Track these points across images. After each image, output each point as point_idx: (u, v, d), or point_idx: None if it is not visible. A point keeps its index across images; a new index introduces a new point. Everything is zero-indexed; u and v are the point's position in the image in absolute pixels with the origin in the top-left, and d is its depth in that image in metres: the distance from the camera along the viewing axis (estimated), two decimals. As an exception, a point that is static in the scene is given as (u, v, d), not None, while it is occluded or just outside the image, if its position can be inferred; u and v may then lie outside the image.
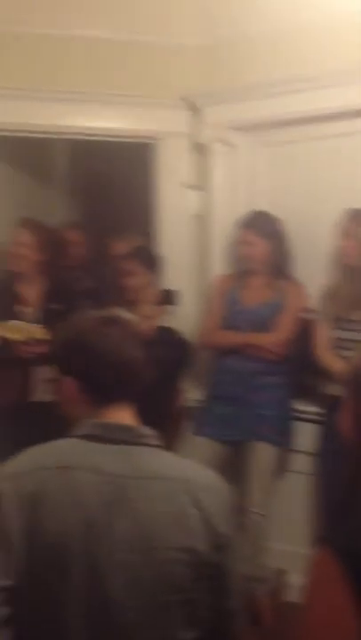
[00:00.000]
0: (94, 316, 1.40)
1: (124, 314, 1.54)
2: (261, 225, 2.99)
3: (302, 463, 2.94)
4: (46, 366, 2.40)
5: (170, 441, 1.39)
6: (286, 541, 2.91)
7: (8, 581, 1.20)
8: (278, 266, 2.99)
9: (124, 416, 1.34)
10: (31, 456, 1.29)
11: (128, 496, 1.23)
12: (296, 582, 2.55)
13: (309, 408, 2.93)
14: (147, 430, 1.35)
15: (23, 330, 2.68)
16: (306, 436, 2.91)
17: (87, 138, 3.32)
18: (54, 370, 1.40)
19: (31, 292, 3.13)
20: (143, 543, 1.22)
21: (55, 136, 3.44)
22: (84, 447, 1.28)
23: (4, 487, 1.23)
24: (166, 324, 2.98)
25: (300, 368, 2.97)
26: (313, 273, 2.92)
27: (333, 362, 2.69)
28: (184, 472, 1.32)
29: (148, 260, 3.07)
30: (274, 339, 2.90)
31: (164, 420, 2.68)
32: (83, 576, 1.19)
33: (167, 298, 2.99)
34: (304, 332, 2.90)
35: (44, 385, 2.75)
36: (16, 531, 1.20)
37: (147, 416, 1.39)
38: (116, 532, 1.21)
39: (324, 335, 2.80)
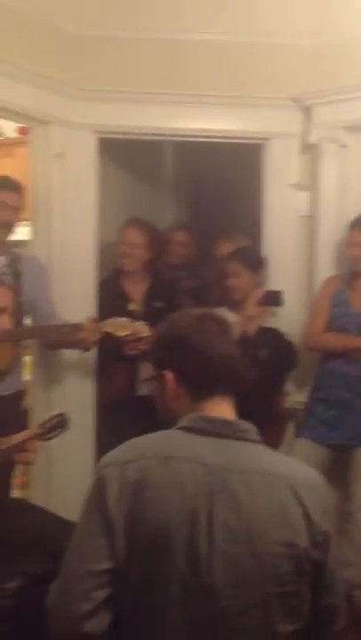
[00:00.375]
0: (191, 314, 1.44)
1: (221, 313, 1.57)
2: (373, 226, 2.92)
3: None
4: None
5: (273, 442, 1.40)
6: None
7: (111, 564, 1.24)
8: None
9: (224, 410, 1.37)
10: (135, 445, 1.33)
11: (230, 488, 1.25)
12: None
13: None
14: (248, 425, 1.36)
15: (128, 327, 2.75)
16: None
17: (197, 139, 3.37)
18: (153, 366, 1.44)
19: (136, 289, 3.23)
20: (244, 535, 1.23)
21: (165, 138, 3.52)
22: (186, 439, 1.31)
23: (109, 474, 1.27)
24: (271, 325, 2.97)
25: None
26: None
27: None
28: (285, 468, 1.33)
29: (252, 260, 3.07)
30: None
31: (268, 421, 2.67)
32: (183, 562, 1.21)
33: (272, 298, 2.97)
34: None
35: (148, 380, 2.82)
36: (119, 517, 1.23)
37: (250, 417, 1.39)
38: (216, 523, 1.22)
39: None
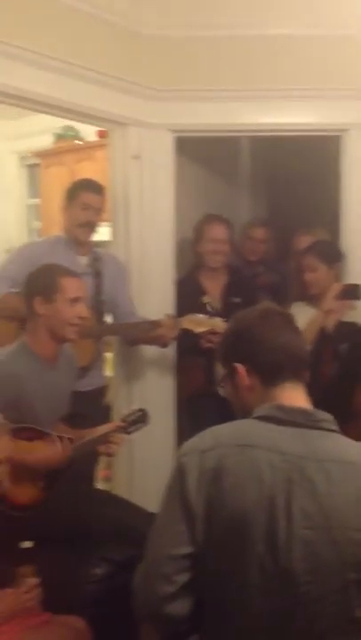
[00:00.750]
0: (255, 308, 1.51)
1: (300, 308, 1.58)
2: None
3: None
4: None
5: (353, 437, 1.40)
6: None
7: (191, 549, 1.29)
8: None
9: (297, 399, 1.39)
10: (213, 434, 1.37)
11: (307, 476, 1.26)
12: None
13: None
14: (325, 415, 1.37)
15: (205, 322, 2.79)
16: None
17: (273, 134, 3.36)
18: (222, 365, 1.48)
19: (214, 285, 3.27)
20: (322, 522, 1.24)
21: (241, 134, 3.53)
22: (262, 427, 1.34)
23: (188, 462, 1.31)
24: (350, 319, 2.92)
25: None
26: None
27: None
28: None
29: (328, 254, 3.02)
30: None
31: (348, 416, 2.63)
32: (262, 548, 1.24)
33: (351, 292, 2.92)
34: None
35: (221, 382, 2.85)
36: (198, 503, 1.28)
37: (330, 412, 1.40)
38: (295, 510, 1.24)
39: None
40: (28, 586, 1.76)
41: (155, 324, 2.79)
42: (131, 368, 3.29)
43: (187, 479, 1.30)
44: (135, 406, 2.40)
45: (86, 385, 2.81)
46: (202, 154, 3.68)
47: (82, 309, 2.26)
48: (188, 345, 2.98)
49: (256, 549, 1.24)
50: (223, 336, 1.53)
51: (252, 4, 3.12)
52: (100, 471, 3.53)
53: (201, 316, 2.83)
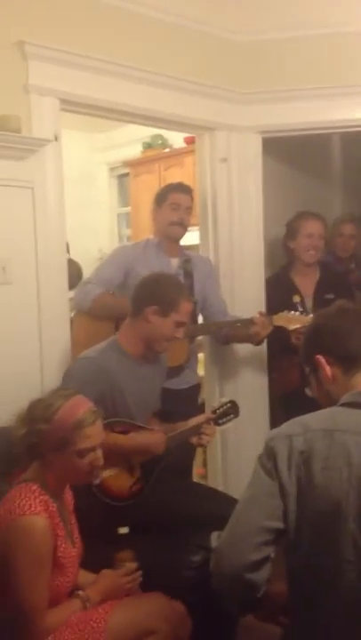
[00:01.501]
0: (333, 306, 1.60)
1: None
2: None
3: None
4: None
5: None
6: None
7: (282, 525, 1.35)
8: None
9: None
10: (300, 421, 1.42)
11: None
12: None
13: None
14: None
15: (298, 319, 2.80)
16: None
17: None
18: (304, 364, 1.55)
19: (306, 282, 3.26)
20: None
21: (331, 131, 3.50)
22: (348, 413, 1.40)
23: (277, 445, 1.38)
24: None
25: None
26: None
27: None
28: None
29: None
30: None
31: None
32: (354, 525, 1.29)
33: None
34: None
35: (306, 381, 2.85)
36: (290, 483, 1.34)
37: None
38: None
39: None
40: (127, 570, 1.84)
41: (248, 322, 2.83)
42: (223, 367, 3.33)
43: (278, 460, 1.36)
44: (226, 398, 2.47)
45: (181, 383, 2.88)
46: (290, 152, 3.68)
47: (181, 333, 2.37)
48: (282, 343, 2.99)
49: (348, 527, 1.30)
50: (305, 334, 1.61)
51: (336, 1, 3.11)
52: (197, 469, 3.59)
53: (295, 313, 2.84)
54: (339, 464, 1.32)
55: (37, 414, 1.73)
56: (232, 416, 2.37)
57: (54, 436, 1.70)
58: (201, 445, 2.35)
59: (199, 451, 3.70)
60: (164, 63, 2.96)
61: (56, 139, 2.64)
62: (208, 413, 2.38)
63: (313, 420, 1.42)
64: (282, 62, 3.26)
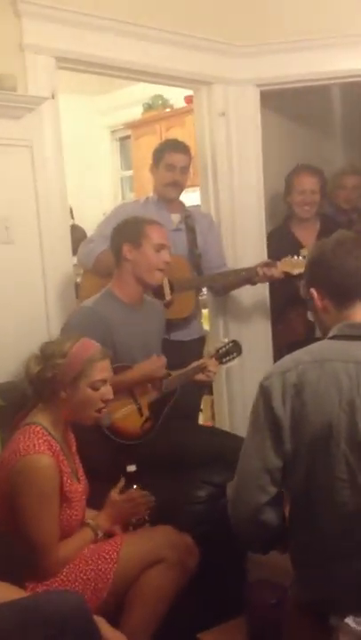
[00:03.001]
0: (332, 237, 1.59)
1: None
2: None
3: None
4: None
5: None
6: None
7: (281, 462, 1.43)
8: None
9: None
10: (292, 357, 1.49)
11: None
12: None
13: None
14: None
15: (301, 264, 2.80)
16: None
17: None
18: (305, 289, 1.59)
19: (307, 235, 3.29)
20: None
21: (330, 81, 3.47)
22: (337, 344, 1.47)
23: (271, 384, 1.44)
24: None
25: None
26: None
27: None
28: None
29: None
30: None
31: None
32: (346, 446, 1.38)
33: None
34: None
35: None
36: (285, 417, 1.42)
37: None
38: None
39: None
40: (136, 496, 1.91)
41: (252, 271, 2.88)
42: (227, 319, 3.37)
43: (272, 398, 1.43)
44: (227, 338, 2.54)
45: (187, 335, 2.94)
46: (290, 105, 3.66)
47: (166, 256, 2.42)
48: (288, 294, 3.03)
49: (341, 448, 1.38)
50: (307, 260, 1.65)
51: None
52: (205, 422, 3.67)
53: (298, 258, 2.88)
54: (329, 390, 1.40)
55: (52, 351, 1.83)
56: (235, 354, 2.45)
57: (70, 369, 1.80)
58: (207, 382, 2.43)
59: (206, 404, 3.78)
60: (159, 17, 2.94)
61: (53, 97, 2.65)
62: (211, 352, 2.45)
63: (303, 353, 1.48)
64: (279, 13, 3.22)
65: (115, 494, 1.92)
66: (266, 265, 2.89)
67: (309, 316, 1.66)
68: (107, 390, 1.85)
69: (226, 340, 2.49)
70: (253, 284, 2.99)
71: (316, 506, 1.42)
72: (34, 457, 1.70)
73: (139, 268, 2.40)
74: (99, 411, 1.87)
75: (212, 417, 3.68)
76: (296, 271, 2.81)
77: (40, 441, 1.73)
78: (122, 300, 2.41)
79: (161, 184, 3.01)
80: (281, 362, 1.50)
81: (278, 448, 1.43)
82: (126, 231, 2.43)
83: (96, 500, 1.93)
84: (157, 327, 2.58)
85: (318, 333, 3.11)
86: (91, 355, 1.83)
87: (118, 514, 1.90)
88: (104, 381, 1.84)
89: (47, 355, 1.83)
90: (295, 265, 2.84)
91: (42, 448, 1.72)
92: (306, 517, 1.45)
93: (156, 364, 2.34)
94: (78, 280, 2.99)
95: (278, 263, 2.89)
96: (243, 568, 2.17)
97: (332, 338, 1.49)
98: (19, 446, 1.72)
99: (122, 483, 1.93)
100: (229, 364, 2.45)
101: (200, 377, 2.41)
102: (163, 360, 2.36)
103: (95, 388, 1.83)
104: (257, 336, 3.36)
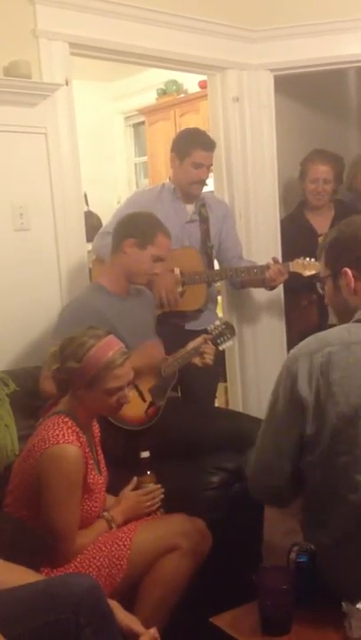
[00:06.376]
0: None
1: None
2: None
3: None
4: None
5: None
6: None
7: (298, 444, 1.45)
8: None
9: None
10: (318, 338, 1.49)
11: None
12: None
13: None
14: None
15: (313, 266, 2.84)
16: None
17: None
18: (325, 266, 1.56)
19: (322, 220, 3.27)
20: None
21: (345, 65, 3.44)
22: None
23: (300, 366, 1.44)
24: None
25: None
26: None
27: None
28: None
29: None
30: None
31: None
32: None
33: None
34: None
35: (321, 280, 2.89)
36: (310, 397, 1.42)
37: None
38: None
39: None
40: (147, 490, 1.93)
41: (265, 269, 2.86)
42: (241, 311, 3.37)
43: (298, 379, 1.44)
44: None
45: (200, 325, 2.93)
46: (305, 90, 3.63)
47: (159, 268, 2.43)
48: (302, 282, 3.02)
49: None
50: (333, 240, 1.58)
51: None
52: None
53: (309, 260, 2.86)
54: (356, 372, 1.40)
55: (69, 353, 1.80)
56: (228, 336, 2.44)
57: (84, 375, 1.78)
58: (205, 365, 2.42)
59: (221, 393, 3.80)
60: (172, 3, 2.92)
61: (67, 83, 2.64)
62: (204, 335, 2.45)
63: (330, 335, 1.48)
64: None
65: (128, 490, 1.94)
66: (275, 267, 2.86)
67: (320, 291, 1.65)
68: (123, 395, 1.83)
69: (217, 323, 2.48)
70: (269, 289, 2.97)
71: (337, 486, 1.42)
72: (63, 446, 1.71)
73: (130, 266, 2.40)
74: (116, 410, 1.88)
75: (226, 403, 3.70)
76: (308, 273, 2.82)
77: (69, 431, 1.75)
78: (109, 291, 2.42)
79: (186, 181, 2.91)
80: (308, 341, 1.49)
81: (299, 429, 1.44)
82: (138, 227, 2.40)
83: (112, 486, 1.95)
84: (148, 314, 2.58)
85: (332, 320, 3.14)
86: (108, 360, 1.78)
87: (132, 509, 1.91)
88: (121, 388, 1.82)
89: (64, 355, 1.81)
90: (307, 267, 2.83)
91: (71, 438, 1.73)
92: (323, 498, 1.45)
93: (152, 349, 2.36)
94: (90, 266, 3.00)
95: (290, 264, 2.87)
96: (258, 552, 2.19)
97: (357, 321, 1.48)
98: (48, 434, 1.73)
99: (135, 481, 1.95)
100: (224, 346, 2.45)
101: (197, 361, 2.41)
102: (158, 345, 2.37)
103: (111, 395, 1.81)
104: (271, 324, 3.37)
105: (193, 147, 2.86)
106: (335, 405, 1.39)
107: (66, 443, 1.72)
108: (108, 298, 2.40)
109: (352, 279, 1.51)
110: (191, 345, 2.42)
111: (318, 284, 1.68)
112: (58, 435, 1.73)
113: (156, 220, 2.46)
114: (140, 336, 2.40)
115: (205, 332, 2.89)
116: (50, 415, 1.82)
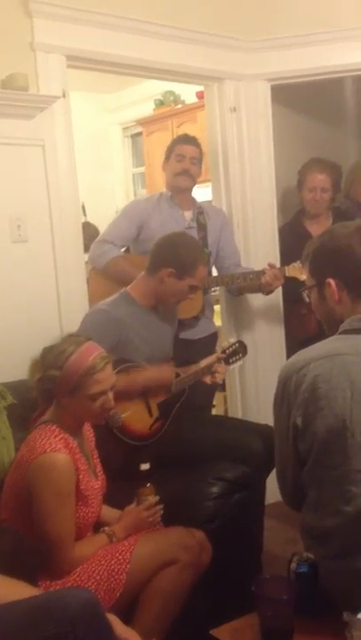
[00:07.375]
0: (350, 225, 1.58)
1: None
2: None
3: None
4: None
5: None
6: None
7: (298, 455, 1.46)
8: None
9: None
10: (303, 354, 1.50)
11: None
12: None
13: None
14: None
15: None
16: None
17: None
18: (311, 276, 1.58)
19: (319, 229, 3.25)
20: None
21: (342, 75, 3.45)
22: (349, 338, 1.48)
23: (288, 386, 1.47)
24: None
25: None
26: None
27: None
28: None
29: None
30: None
31: None
32: (359, 437, 1.38)
33: None
34: None
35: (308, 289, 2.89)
36: (297, 414, 1.45)
37: None
38: None
39: None
40: (149, 504, 1.92)
41: (261, 274, 2.86)
42: (239, 318, 3.38)
43: (290, 395, 1.47)
44: (233, 339, 2.56)
45: (198, 333, 2.94)
46: (303, 100, 3.64)
47: (193, 295, 2.46)
48: (298, 293, 3.02)
49: (356, 440, 1.38)
50: (316, 250, 1.59)
51: None
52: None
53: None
54: (342, 384, 1.41)
55: (49, 361, 1.80)
56: (240, 355, 2.45)
57: (66, 382, 1.78)
58: (215, 384, 2.43)
59: (220, 401, 3.79)
60: (168, 15, 2.94)
61: (64, 95, 2.66)
62: (218, 353, 2.45)
63: (316, 350, 1.49)
64: (288, 8, 3.21)
65: (131, 508, 1.93)
66: (271, 272, 2.87)
67: (306, 299, 1.66)
68: (106, 399, 1.82)
69: (232, 341, 2.49)
70: (266, 293, 2.98)
71: (332, 498, 1.42)
72: (50, 455, 1.71)
73: (166, 293, 2.41)
74: (100, 416, 1.86)
75: (225, 412, 3.69)
76: (304, 277, 2.80)
77: (57, 439, 1.74)
78: (138, 303, 2.42)
79: (172, 174, 3.01)
80: (295, 358, 1.51)
81: (294, 446, 1.48)
82: (178, 258, 2.38)
83: (111, 497, 1.94)
84: (171, 328, 2.59)
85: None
86: (89, 366, 1.78)
87: (134, 525, 1.90)
88: (103, 393, 1.81)
89: (45, 364, 1.81)
90: (303, 271, 2.82)
91: (58, 446, 1.73)
92: (319, 510, 1.46)
93: (166, 371, 2.37)
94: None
95: (286, 269, 2.88)
96: (258, 562, 2.18)
97: (342, 333, 1.49)
98: (35, 444, 1.74)
99: (136, 501, 1.94)
100: (235, 365, 2.46)
101: (207, 379, 2.42)
102: (172, 369, 2.37)
103: (94, 400, 1.80)
104: (270, 332, 3.36)
105: (174, 144, 3.08)
106: (323, 419, 1.41)
107: (53, 451, 1.71)
108: (133, 309, 2.40)
109: (336, 290, 1.51)
110: (204, 363, 2.42)
111: (305, 293, 1.67)
112: (45, 444, 1.72)
113: (196, 250, 2.47)
114: (161, 349, 2.42)
115: (200, 342, 2.89)
116: (37, 425, 1.82)
